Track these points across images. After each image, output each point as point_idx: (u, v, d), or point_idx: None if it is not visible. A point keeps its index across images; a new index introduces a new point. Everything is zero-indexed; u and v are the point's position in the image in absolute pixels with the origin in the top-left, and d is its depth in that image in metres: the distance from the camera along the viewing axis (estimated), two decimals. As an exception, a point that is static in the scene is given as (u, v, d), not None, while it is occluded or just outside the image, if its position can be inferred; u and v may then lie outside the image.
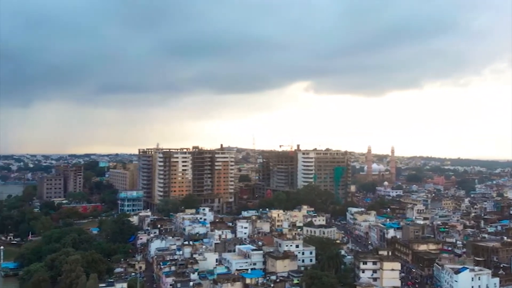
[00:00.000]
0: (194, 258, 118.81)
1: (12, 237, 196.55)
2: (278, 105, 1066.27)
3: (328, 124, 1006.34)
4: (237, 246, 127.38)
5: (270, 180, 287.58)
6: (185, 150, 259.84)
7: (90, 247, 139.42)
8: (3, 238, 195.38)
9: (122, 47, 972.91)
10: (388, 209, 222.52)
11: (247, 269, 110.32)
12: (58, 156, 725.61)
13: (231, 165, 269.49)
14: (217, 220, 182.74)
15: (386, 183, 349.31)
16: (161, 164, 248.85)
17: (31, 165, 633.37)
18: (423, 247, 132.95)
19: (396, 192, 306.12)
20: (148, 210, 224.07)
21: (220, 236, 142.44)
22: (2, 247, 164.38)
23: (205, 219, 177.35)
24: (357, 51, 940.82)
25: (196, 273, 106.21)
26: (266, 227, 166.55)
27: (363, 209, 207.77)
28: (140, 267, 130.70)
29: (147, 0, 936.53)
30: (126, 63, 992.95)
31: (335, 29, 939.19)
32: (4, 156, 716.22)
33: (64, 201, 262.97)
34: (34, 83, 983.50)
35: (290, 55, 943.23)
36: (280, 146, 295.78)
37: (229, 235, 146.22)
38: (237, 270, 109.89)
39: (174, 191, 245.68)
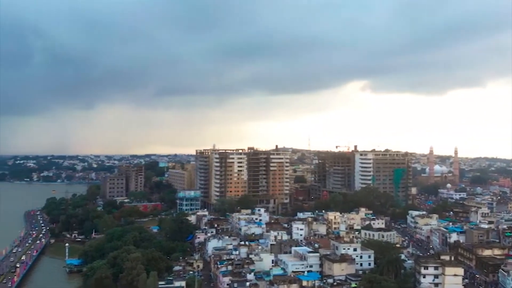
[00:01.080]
0: (250, 258, 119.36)
1: (76, 235, 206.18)
2: (334, 105, 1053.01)
3: (386, 124, 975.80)
4: (293, 248, 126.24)
5: (326, 181, 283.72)
6: (240, 151, 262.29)
7: (150, 245, 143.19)
8: (68, 236, 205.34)
9: (178, 50, 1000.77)
10: (451, 212, 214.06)
11: (303, 271, 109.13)
12: (120, 157, 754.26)
13: (286, 166, 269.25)
14: (272, 221, 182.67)
15: (449, 185, 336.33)
16: (217, 164, 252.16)
17: (95, 165, 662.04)
18: (487, 252, 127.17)
19: (460, 194, 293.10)
20: (205, 209, 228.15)
21: (275, 237, 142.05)
22: (67, 244, 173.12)
23: (260, 220, 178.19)
24: (416, 49, 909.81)
25: (252, 274, 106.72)
26: (322, 229, 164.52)
27: (424, 212, 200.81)
28: (198, 266, 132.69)
29: (202, 4, 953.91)
30: (183, 66, 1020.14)
31: (392, 26, 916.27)
32: (70, 157, 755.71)
33: (126, 200, 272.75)
34: (96, 86, 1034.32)
35: (346, 54, 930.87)
36: (337, 146, 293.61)
37: (285, 237, 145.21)
38: (293, 272, 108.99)
39: (230, 191, 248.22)
